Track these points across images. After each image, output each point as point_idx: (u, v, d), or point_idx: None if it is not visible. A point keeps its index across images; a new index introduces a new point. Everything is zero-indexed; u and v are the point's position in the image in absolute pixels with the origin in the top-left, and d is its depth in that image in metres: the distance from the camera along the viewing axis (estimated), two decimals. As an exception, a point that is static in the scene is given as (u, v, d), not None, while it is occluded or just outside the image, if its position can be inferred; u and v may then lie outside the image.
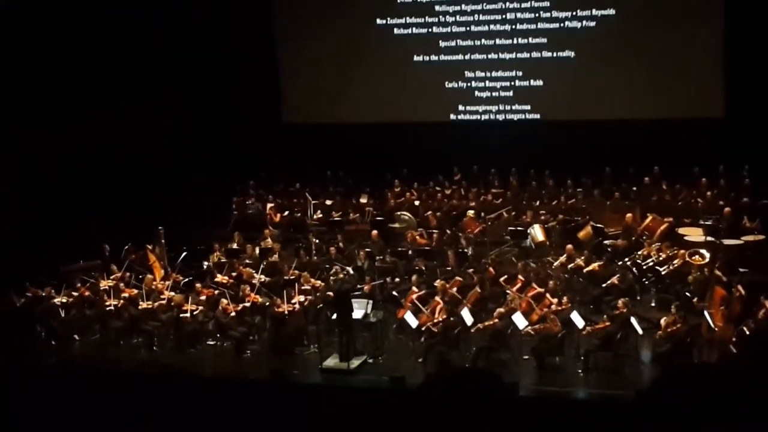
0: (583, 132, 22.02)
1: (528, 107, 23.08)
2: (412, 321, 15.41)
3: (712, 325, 14.29)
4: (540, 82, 22.87)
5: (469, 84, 23.36)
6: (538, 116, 23.01)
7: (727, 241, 17.87)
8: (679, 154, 20.84)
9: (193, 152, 23.07)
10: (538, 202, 21.11)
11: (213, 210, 22.35)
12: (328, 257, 18.80)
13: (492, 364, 14.66)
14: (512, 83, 23.06)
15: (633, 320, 14.53)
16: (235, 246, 19.71)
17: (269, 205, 22.17)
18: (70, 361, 16.09)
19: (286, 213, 22.21)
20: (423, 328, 15.40)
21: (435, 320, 15.34)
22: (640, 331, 14.58)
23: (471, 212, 20.49)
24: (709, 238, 17.79)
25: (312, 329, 16.20)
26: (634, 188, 21.09)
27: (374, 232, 19.77)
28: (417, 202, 21.79)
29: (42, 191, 20.78)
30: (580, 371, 14.48)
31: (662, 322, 14.54)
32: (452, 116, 23.64)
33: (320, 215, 21.88)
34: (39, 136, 21.34)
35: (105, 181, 21.58)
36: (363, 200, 22.30)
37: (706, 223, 18.65)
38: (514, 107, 23.17)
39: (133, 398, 10.97)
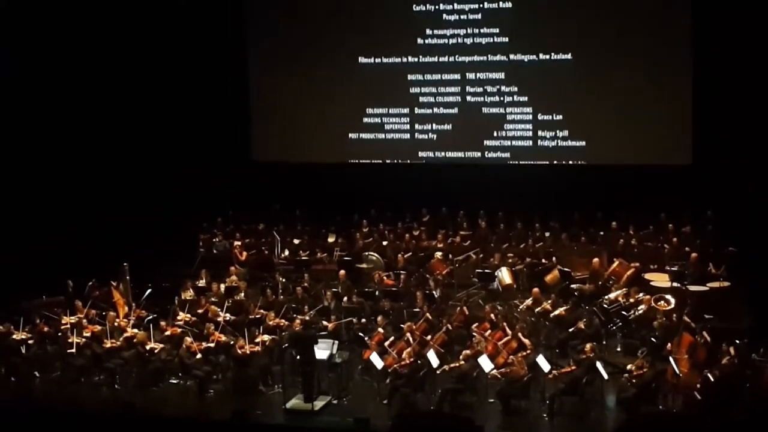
0: (552, 176, 22.19)
1: (498, 153, 23.24)
2: (377, 362, 15.31)
3: (678, 372, 14.29)
4: (511, 126, 22.96)
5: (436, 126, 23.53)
6: (508, 155, 23.17)
7: (692, 288, 17.96)
8: (647, 199, 21.03)
9: (160, 188, 22.93)
10: (505, 245, 21.08)
11: (179, 247, 22.16)
12: (295, 297, 18.69)
13: (457, 407, 14.59)
14: (478, 129, 23.20)
15: (599, 365, 14.50)
16: (203, 283, 19.55)
17: (236, 243, 21.98)
18: (30, 399, 15.79)
19: (253, 251, 22.04)
20: (389, 370, 15.31)
21: (401, 362, 15.26)
22: (606, 376, 14.55)
23: (439, 254, 20.46)
24: (675, 284, 17.89)
25: (276, 369, 16.07)
26: (602, 233, 21.16)
27: (341, 272, 19.65)
28: (385, 243, 21.72)
29: (3, 225, 20.54)
30: (545, 415, 14.43)
31: (628, 367, 14.56)
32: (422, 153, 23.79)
33: (287, 254, 21.75)
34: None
35: (70, 215, 21.37)
36: (330, 240, 22.22)
37: (672, 269, 18.71)
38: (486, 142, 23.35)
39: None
